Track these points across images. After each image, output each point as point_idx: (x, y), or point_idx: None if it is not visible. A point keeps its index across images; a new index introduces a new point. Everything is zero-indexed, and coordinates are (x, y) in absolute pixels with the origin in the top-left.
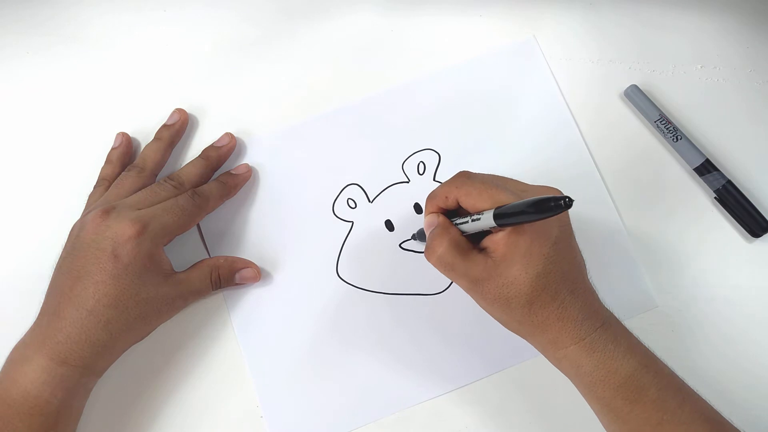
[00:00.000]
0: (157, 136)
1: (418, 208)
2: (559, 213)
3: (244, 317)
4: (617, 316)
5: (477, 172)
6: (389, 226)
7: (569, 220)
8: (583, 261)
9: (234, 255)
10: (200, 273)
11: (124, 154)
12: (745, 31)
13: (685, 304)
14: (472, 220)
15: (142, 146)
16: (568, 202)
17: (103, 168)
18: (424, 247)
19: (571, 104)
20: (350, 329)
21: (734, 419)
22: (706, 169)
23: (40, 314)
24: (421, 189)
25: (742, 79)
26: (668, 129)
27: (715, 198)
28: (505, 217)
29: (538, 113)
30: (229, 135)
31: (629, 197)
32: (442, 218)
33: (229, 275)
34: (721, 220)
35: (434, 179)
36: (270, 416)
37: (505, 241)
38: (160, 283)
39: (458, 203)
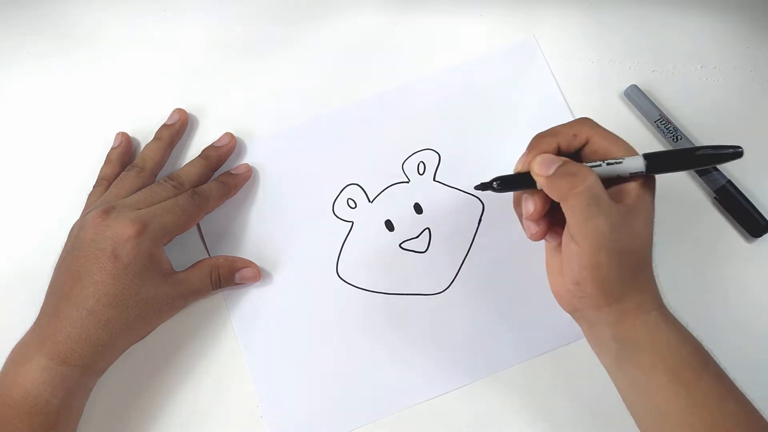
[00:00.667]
0: (157, 136)
1: (418, 208)
2: (728, 161)
3: (244, 317)
4: None
5: None
6: (389, 226)
7: None
8: None
9: (234, 255)
10: (200, 273)
11: (124, 154)
12: (745, 31)
13: (685, 304)
14: (611, 164)
15: (142, 146)
16: (739, 151)
17: (102, 168)
18: (424, 249)
19: (571, 104)
20: (350, 329)
21: None
22: (706, 169)
23: (40, 314)
24: (421, 189)
25: (742, 79)
26: (668, 129)
27: (715, 198)
28: (660, 162)
29: (538, 113)
30: (229, 135)
31: None
32: (565, 158)
33: (229, 275)
34: (721, 220)
35: (434, 179)
36: (270, 416)
37: (638, 189)
38: (160, 282)
39: (579, 147)
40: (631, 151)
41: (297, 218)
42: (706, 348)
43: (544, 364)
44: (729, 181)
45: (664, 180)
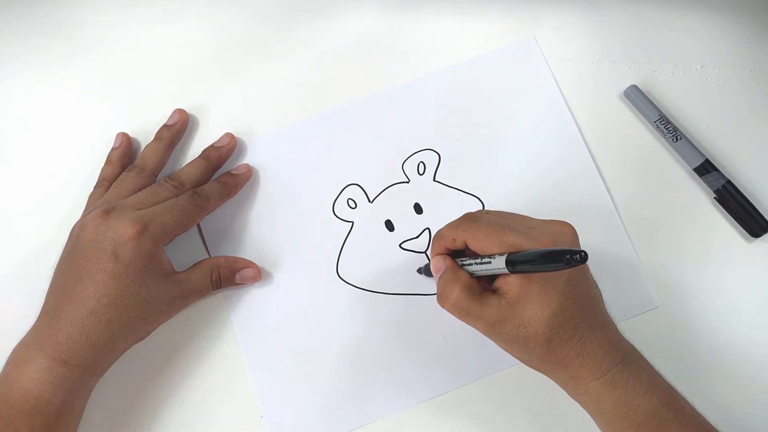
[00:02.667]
0: (158, 137)
1: (418, 208)
2: (572, 267)
3: (244, 317)
4: (618, 319)
5: (483, 211)
6: (389, 226)
7: None
8: (600, 293)
9: (234, 255)
10: (201, 273)
11: (124, 155)
12: (745, 31)
13: (685, 304)
14: (482, 263)
15: (142, 146)
16: (583, 257)
17: (103, 168)
18: (424, 249)
19: (571, 104)
20: (350, 329)
21: (734, 419)
22: (705, 169)
23: (40, 314)
24: (421, 189)
25: (742, 79)
26: (668, 129)
27: (714, 198)
28: (517, 264)
29: (538, 113)
30: (229, 135)
31: (629, 197)
32: (449, 261)
33: (230, 275)
34: (720, 220)
35: (434, 179)
36: (270, 416)
37: (518, 281)
38: (160, 282)
39: (464, 246)
40: (509, 245)
41: (297, 218)
42: (676, 403)
43: None
44: (729, 181)
45: (663, 179)
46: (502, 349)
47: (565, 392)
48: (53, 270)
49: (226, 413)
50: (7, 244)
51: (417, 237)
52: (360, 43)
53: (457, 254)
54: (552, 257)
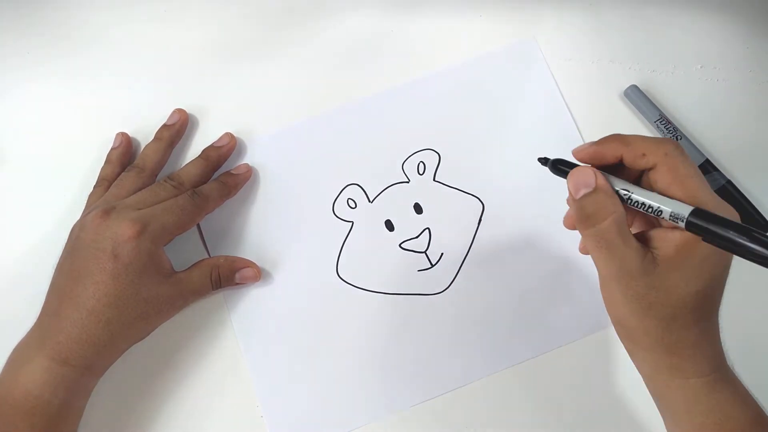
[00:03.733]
0: (157, 137)
1: (418, 208)
2: (756, 260)
3: (244, 317)
4: None
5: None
6: (389, 226)
7: None
8: None
9: (234, 255)
10: (200, 272)
11: (124, 155)
12: (745, 31)
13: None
14: (657, 199)
15: (142, 146)
16: None
17: (102, 168)
18: (424, 249)
19: (571, 104)
20: (350, 329)
21: None
22: (706, 169)
23: (40, 315)
24: (421, 189)
25: (742, 79)
26: (668, 129)
27: None
28: (703, 223)
29: (538, 113)
30: (229, 135)
31: None
32: (602, 180)
33: (229, 275)
34: None
35: (434, 179)
36: (270, 416)
37: (679, 242)
38: (160, 282)
39: (645, 169)
40: (699, 200)
41: (297, 218)
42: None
43: (544, 364)
44: (729, 181)
45: None
46: (604, 308)
47: (565, 392)
48: (53, 270)
49: (226, 413)
50: (7, 245)
51: (417, 237)
52: (360, 43)
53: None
54: (756, 239)
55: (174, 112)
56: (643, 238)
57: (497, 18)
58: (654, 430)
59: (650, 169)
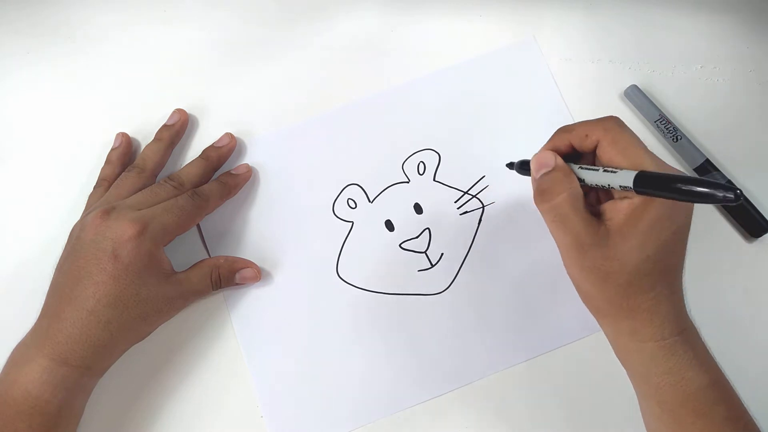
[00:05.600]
0: (157, 137)
1: (418, 208)
2: (719, 203)
3: (244, 317)
4: None
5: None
6: (389, 226)
7: (692, 213)
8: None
9: (234, 255)
10: (200, 273)
11: (124, 155)
12: (745, 31)
13: (685, 304)
14: (606, 171)
15: (142, 146)
16: (739, 195)
17: (102, 168)
18: (424, 249)
19: (571, 104)
20: (350, 329)
21: None
22: (706, 169)
23: (40, 315)
24: (421, 189)
25: (742, 79)
26: (668, 129)
27: None
28: (648, 183)
29: (538, 113)
30: (229, 135)
31: None
32: (561, 161)
33: (229, 275)
34: (721, 220)
35: (434, 179)
36: (270, 416)
37: (628, 211)
38: (160, 283)
39: (593, 148)
40: (642, 166)
41: (297, 218)
42: (726, 385)
43: (544, 365)
44: (729, 181)
45: None
46: (572, 284)
47: (565, 392)
48: (53, 270)
49: (226, 413)
50: (7, 244)
51: (417, 237)
52: (360, 43)
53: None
54: (698, 185)
55: (174, 112)
56: (597, 213)
57: (497, 18)
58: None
59: (596, 147)
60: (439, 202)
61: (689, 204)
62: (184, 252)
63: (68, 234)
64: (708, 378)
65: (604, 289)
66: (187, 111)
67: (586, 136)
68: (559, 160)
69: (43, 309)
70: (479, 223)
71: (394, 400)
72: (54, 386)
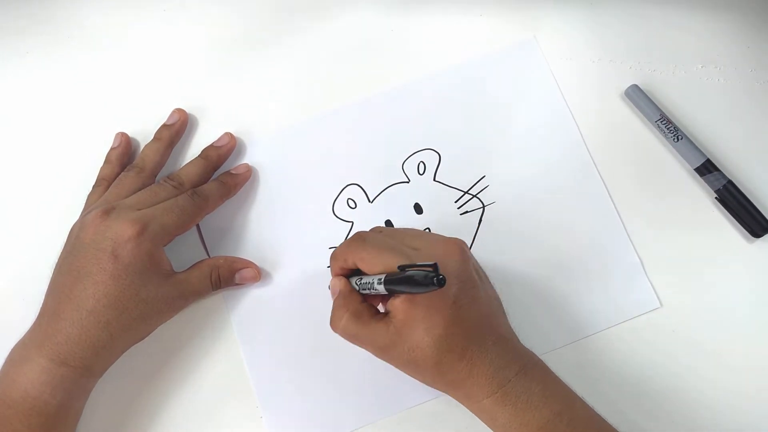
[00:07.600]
0: (157, 136)
1: (418, 208)
2: (432, 290)
3: (244, 317)
4: (619, 320)
5: (376, 229)
6: (389, 226)
7: (472, 271)
8: (499, 305)
9: (234, 255)
10: (200, 273)
11: (124, 154)
12: (745, 30)
13: (686, 304)
14: (367, 284)
15: (142, 146)
16: (441, 280)
17: (102, 168)
18: None
19: (571, 104)
20: None
21: (735, 418)
22: (706, 169)
23: (39, 314)
24: (421, 189)
25: (743, 79)
26: (669, 129)
27: (715, 198)
28: (391, 284)
29: (538, 113)
30: (229, 135)
31: (629, 197)
32: (343, 283)
33: (229, 275)
34: (721, 220)
35: (434, 179)
36: (270, 416)
37: (404, 306)
38: (160, 283)
39: (356, 267)
40: (391, 267)
41: (297, 218)
42: (570, 412)
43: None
44: (730, 181)
45: (664, 179)
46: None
47: None
48: (53, 270)
49: (226, 413)
50: (6, 244)
51: None
52: (360, 43)
53: (358, 272)
54: (411, 281)
55: (174, 111)
56: (386, 314)
57: (497, 18)
58: (652, 430)
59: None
60: (440, 202)
61: (458, 271)
62: (184, 252)
63: (67, 233)
64: (547, 414)
65: (423, 374)
66: (187, 111)
67: (345, 260)
68: (342, 284)
69: (42, 309)
70: (479, 223)
71: (394, 401)
72: (53, 387)
